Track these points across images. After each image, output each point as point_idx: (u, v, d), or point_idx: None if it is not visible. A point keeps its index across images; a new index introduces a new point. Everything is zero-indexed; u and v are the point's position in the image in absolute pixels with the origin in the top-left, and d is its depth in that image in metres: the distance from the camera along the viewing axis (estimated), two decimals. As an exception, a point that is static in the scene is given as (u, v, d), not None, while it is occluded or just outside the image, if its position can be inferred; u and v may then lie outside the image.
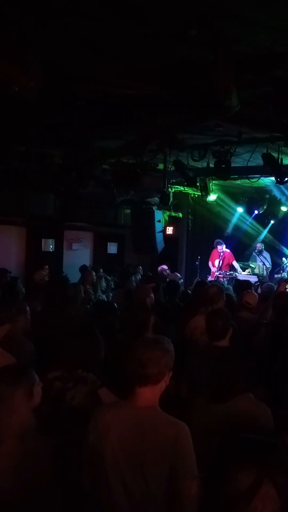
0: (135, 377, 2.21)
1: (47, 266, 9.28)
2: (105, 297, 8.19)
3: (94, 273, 8.53)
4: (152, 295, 5.55)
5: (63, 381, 2.65)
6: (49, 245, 11.65)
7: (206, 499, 0.99)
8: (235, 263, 11.06)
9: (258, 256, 11.35)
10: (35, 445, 2.12)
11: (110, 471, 2.14)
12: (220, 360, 2.74)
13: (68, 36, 3.94)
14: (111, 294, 8.34)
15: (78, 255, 12.06)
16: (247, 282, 6.78)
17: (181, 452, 2.09)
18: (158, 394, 2.24)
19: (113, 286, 8.89)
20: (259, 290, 7.23)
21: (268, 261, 11.34)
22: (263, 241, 12.02)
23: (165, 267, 9.94)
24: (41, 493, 2.04)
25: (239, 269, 11.03)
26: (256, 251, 11.53)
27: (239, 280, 8.49)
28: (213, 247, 11.15)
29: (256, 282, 9.61)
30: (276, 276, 10.79)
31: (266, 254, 11.50)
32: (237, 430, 1.12)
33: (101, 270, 9.35)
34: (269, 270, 11.22)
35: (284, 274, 10.57)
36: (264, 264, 11.18)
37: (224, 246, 11.00)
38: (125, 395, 2.29)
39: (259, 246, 11.60)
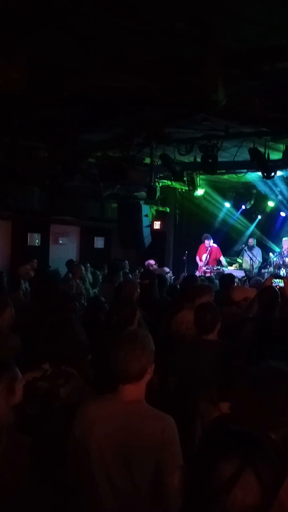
0: (118, 376, 2.20)
1: (35, 260, 9.22)
2: (92, 291, 8.17)
3: (83, 267, 8.49)
4: (139, 290, 5.56)
5: (51, 378, 2.62)
6: (35, 239, 11.56)
7: (189, 490, 1.00)
8: (222, 258, 11.10)
9: (247, 251, 11.41)
10: (9, 442, 2.08)
11: (95, 465, 2.13)
12: (223, 356, 2.71)
13: (55, 29, 3.88)
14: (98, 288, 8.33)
15: (65, 249, 11.98)
16: (230, 276, 6.81)
17: (167, 446, 2.09)
18: (143, 388, 2.24)
19: (100, 281, 8.86)
20: (246, 285, 7.28)
21: (257, 257, 11.41)
22: (250, 236, 12.09)
23: (152, 262, 9.93)
24: (17, 491, 2.01)
25: (223, 263, 11.06)
26: (247, 246, 11.59)
27: (223, 274, 8.54)
28: (200, 241, 11.18)
29: (243, 277, 9.66)
30: (263, 271, 10.86)
31: (257, 250, 11.56)
32: (221, 421, 1.12)
33: (88, 264, 9.32)
34: (257, 266, 11.29)
35: (271, 269, 10.64)
36: (251, 259, 11.24)
37: (212, 241, 11.02)
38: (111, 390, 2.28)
39: (251, 241, 11.65)
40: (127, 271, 9.50)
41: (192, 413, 2.66)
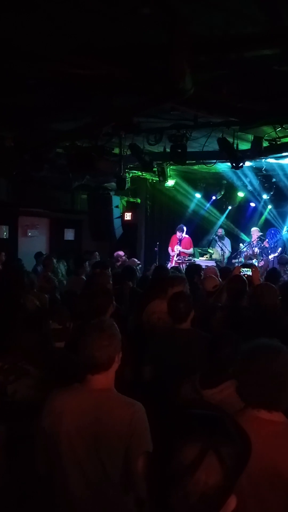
0: (86, 366, 2.20)
1: (3, 253, 9.05)
2: (65, 283, 8.09)
3: (55, 260, 8.39)
4: (111, 281, 5.53)
5: (4, 374, 2.56)
6: (3, 232, 11.33)
7: (152, 474, 1.00)
8: (188, 250, 11.14)
9: (218, 241, 11.53)
10: None
11: (66, 455, 2.13)
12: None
13: (18, 12, 3.74)
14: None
15: (34, 242, 11.80)
16: (196, 266, 6.88)
17: (137, 432, 2.10)
18: (112, 377, 2.24)
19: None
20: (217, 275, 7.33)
21: (227, 248, 11.54)
22: (221, 227, 12.20)
23: (121, 253, 9.89)
24: None
25: (186, 252, 11.12)
26: (217, 236, 11.70)
27: (188, 265, 8.61)
28: (173, 232, 11.22)
29: (207, 268, 9.75)
30: (233, 261, 11.00)
31: (226, 240, 11.70)
32: (183, 405, 1.12)
33: (55, 259, 9.18)
34: (227, 256, 11.42)
35: (241, 259, 10.79)
36: (222, 249, 11.36)
37: (184, 232, 11.06)
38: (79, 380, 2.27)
39: (220, 231, 11.77)
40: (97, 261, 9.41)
41: (172, 399, 2.67)
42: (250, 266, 5.40)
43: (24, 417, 2.35)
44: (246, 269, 5.09)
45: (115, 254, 9.71)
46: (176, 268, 8.26)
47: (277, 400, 1.80)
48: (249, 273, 4.97)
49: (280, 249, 11.05)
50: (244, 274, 4.88)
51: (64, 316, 3.19)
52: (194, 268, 6.58)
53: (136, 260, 9.87)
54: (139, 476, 1.04)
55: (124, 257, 9.68)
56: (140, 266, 9.72)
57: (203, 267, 9.27)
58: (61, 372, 2.71)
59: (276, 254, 10.92)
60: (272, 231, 11.56)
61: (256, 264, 9.80)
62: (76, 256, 8.98)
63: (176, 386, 2.77)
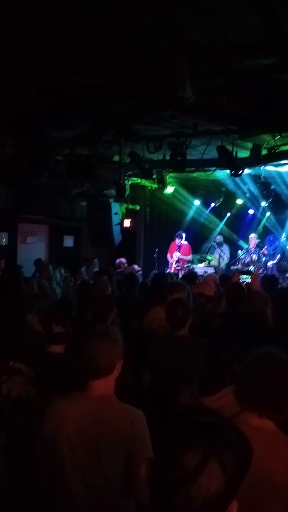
0: (88, 371, 2.21)
1: (3, 260, 9.05)
2: (59, 290, 8.07)
3: (51, 267, 8.38)
4: (110, 288, 5.53)
5: None
6: (3, 239, 11.36)
7: (154, 480, 1.01)
8: (187, 257, 11.15)
9: (217, 248, 11.55)
10: None
11: (67, 462, 2.14)
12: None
13: (19, 20, 3.78)
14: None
15: (33, 248, 11.81)
16: (192, 274, 6.90)
17: (137, 439, 2.11)
18: (112, 384, 2.25)
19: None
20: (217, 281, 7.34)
21: (226, 254, 11.56)
22: (220, 234, 12.23)
23: (123, 260, 9.88)
24: None
25: (185, 259, 11.14)
26: (215, 243, 11.73)
27: (185, 273, 8.62)
28: (172, 239, 11.24)
29: (207, 275, 9.75)
30: (232, 268, 11.00)
31: (225, 247, 11.72)
32: (186, 411, 1.12)
33: (54, 264, 9.19)
34: (225, 263, 11.43)
35: (240, 266, 10.79)
36: (221, 256, 11.38)
37: (183, 239, 11.08)
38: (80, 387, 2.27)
39: (219, 238, 11.80)
40: (97, 268, 9.42)
41: (171, 406, 2.67)
42: (250, 273, 5.41)
43: (22, 414, 2.36)
44: (245, 276, 5.09)
45: (118, 260, 9.70)
46: (170, 275, 8.24)
47: (274, 406, 1.82)
48: (249, 280, 4.97)
49: (279, 256, 11.07)
50: (243, 281, 4.88)
51: (66, 320, 3.22)
52: (190, 276, 6.62)
53: (136, 266, 9.88)
54: (142, 482, 1.05)
55: (126, 264, 9.68)
56: (140, 272, 9.73)
57: (201, 273, 9.32)
58: (58, 376, 2.71)
59: (275, 261, 10.93)
60: (271, 238, 11.58)
61: (253, 270, 9.82)
62: (71, 263, 8.97)
63: (175, 393, 2.77)
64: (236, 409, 1.89)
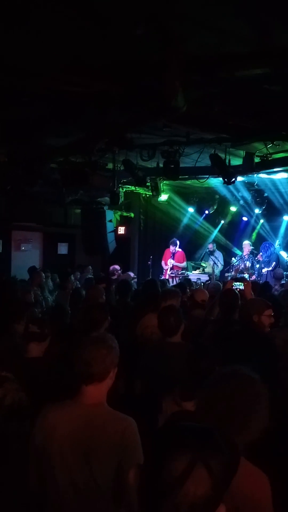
0: (81, 376, 2.20)
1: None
2: (51, 299, 8.07)
3: (43, 274, 8.37)
4: (104, 296, 5.54)
5: None
6: (-4, 246, 11.33)
7: (143, 485, 1.02)
8: (182, 264, 11.18)
9: (210, 255, 11.60)
10: None
11: (58, 469, 2.13)
12: (191, 356, 2.76)
13: (14, 30, 3.82)
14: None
15: (27, 256, 11.79)
16: (181, 285, 6.94)
17: (128, 447, 2.11)
18: (105, 391, 2.25)
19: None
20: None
21: (220, 261, 11.60)
22: (214, 241, 12.28)
23: (117, 267, 9.90)
24: None
25: (179, 266, 11.17)
26: (208, 250, 11.77)
27: (178, 282, 8.64)
28: (166, 246, 11.27)
29: (207, 281, 9.79)
30: (226, 275, 11.04)
31: (218, 254, 11.77)
32: (173, 418, 1.14)
33: (48, 272, 9.18)
34: (219, 270, 11.47)
35: (233, 273, 10.83)
36: (215, 263, 11.42)
37: (177, 246, 11.12)
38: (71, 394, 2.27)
39: (211, 246, 11.84)
40: (91, 276, 9.42)
41: (155, 413, 2.69)
42: (242, 280, 5.44)
43: (15, 419, 2.36)
44: (238, 283, 5.12)
45: (112, 268, 9.70)
46: (162, 282, 8.25)
47: (236, 433, 1.59)
48: (241, 287, 5.00)
49: (274, 263, 11.11)
50: (236, 288, 4.90)
51: (43, 322, 3.27)
52: (183, 285, 6.66)
53: (131, 273, 9.89)
54: (131, 488, 1.06)
55: (120, 271, 9.69)
56: (135, 280, 9.73)
57: (195, 280, 9.33)
58: (37, 381, 2.72)
59: (270, 268, 10.96)
60: (266, 245, 11.63)
61: (247, 277, 9.84)
62: (61, 271, 8.91)
63: (157, 399, 2.79)
64: None
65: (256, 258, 11.11)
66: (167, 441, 1.04)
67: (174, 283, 9.74)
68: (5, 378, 2.62)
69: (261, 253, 11.28)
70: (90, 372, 2.17)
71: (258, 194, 10.95)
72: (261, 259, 11.14)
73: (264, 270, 10.99)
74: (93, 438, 2.11)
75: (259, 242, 12.00)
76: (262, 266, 11.08)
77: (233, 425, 1.58)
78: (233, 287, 4.84)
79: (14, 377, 2.65)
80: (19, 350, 3.22)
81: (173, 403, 2.66)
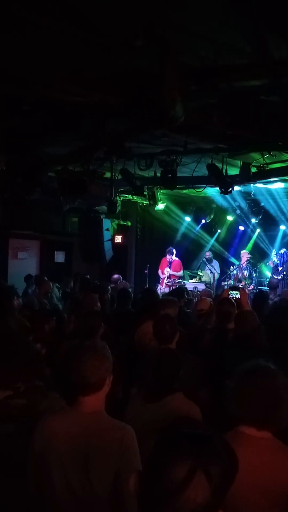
0: (78, 387, 2.21)
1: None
2: (60, 305, 8.02)
3: (51, 283, 8.32)
4: (98, 304, 5.56)
5: (27, 395, 2.58)
6: (-7, 254, 11.30)
7: (143, 492, 1.03)
8: (178, 273, 11.20)
9: (207, 264, 11.61)
10: None
11: (56, 477, 2.13)
12: (157, 360, 2.85)
13: (14, 41, 3.87)
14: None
15: (24, 264, 11.77)
16: (178, 291, 6.94)
17: (126, 455, 2.11)
18: (102, 399, 2.26)
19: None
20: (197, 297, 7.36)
21: (216, 270, 11.62)
22: (210, 250, 12.32)
23: (116, 276, 9.88)
24: None
25: (176, 275, 11.18)
26: (205, 259, 11.80)
27: (174, 289, 8.65)
28: (163, 255, 11.29)
29: (202, 290, 9.79)
30: (223, 283, 11.06)
31: (215, 263, 11.79)
32: (173, 425, 1.16)
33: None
34: (216, 278, 11.49)
35: (231, 282, 10.85)
36: (211, 272, 11.44)
37: (174, 255, 11.15)
38: (70, 402, 2.28)
39: (208, 254, 11.87)
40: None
41: (122, 412, 2.74)
42: (239, 289, 5.47)
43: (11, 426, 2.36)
44: (234, 292, 5.15)
45: (116, 276, 9.63)
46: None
47: (272, 419, 1.83)
48: (238, 296, 5.02)
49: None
50: (232, 297, 4.93)
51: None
52: (178, 292, 6.68)
53: (127, 283, 9.86)
54: (131, 494, 1.06)
55: (122, 281, 9.66)
56: (131, 288, 9.72)
57: (191, 289, 9.33)
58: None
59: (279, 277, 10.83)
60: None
61: (245, 286, 9.86)
62: (66, 278, 8.92)
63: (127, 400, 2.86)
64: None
65: (267, 263, 10.99)
66: (167, 448, 1.04)
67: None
68: (40, 388, 2.62)
69: (274, 258, 11.12)
70: (86, 382, 2.18)
71: (255, 204, 11.02)
72: (272, 265, 11.08)
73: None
74: (91, 446, 2.12)
75: (256, 251, 12.04)
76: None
77: (278, 413, 1.80)
78: (229, 296, 4.87)
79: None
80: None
81: (139, 404, 2.78)
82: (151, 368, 2.82)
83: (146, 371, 3.41)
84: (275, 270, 11.01)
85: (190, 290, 9.26)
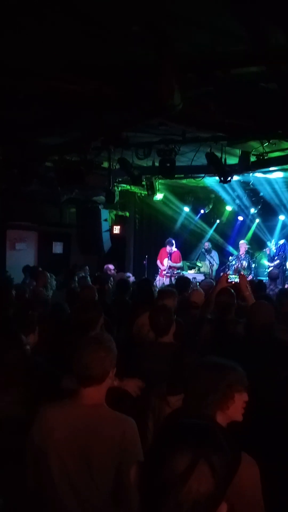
0: (80, 378, 2.19)
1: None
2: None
3: (48, 274, 8.30)
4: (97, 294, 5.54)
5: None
6: (-9, 245, 11.28)
7: (144, 483, 1.02)
8: (178, 264, 11.18)
9: (206, 254, 11.59)
10: None
11: (56, 470, 2.11)
12: (176, 353, 2.83)
13: (10, 31, 3.80)
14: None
15: (22, 255, 11.75)
16: (186, 279, 6.90)
17: (129, 447, 2.09)
18: (104, 392, 2.24)
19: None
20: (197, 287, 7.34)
21: (215, 260, 11.60)
22: (209, 240, 12.28)
23: (111, 266, 9.87)
24: None
25: (175, 266, 11.17)
26: (204, 249, 11.77)
27: (178, 277, 8.62)
28: (162, 245, 11.26)
29: (203, 280, 9.78)
30: (222, 274, 11.00)
31: (214, 253, 11.77)
32: (175, 416, 1.14)
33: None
34: (215, 269, 11.48)
35: (230, 273, 10.83)
36: (211, 262, 11.42)
37: (174, 245, 11.11)
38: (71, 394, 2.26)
39: (207, 245, 11.85)
40: (83, 275, 9.37)
41: (144, 408, 2.74)
42: (237, 273, 5.41)
43: (10, 433, 2.33)
44: (233, 276, 5.09)
45: (105, 267, 9.68)
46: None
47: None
48: (237, 279, 4.92)
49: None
50: (231, 281, 4.84)
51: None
52: (184, 281, 6.62)
53: (128, 274, 9.85)
54: (132, 486, 1.05)
55: (113, 271, 9.66)
56: (132, 278, 9.70)
57: (192, 279, 9.32)
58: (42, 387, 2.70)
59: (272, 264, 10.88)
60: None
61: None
62: (66, 270, 8.90)
63: (146, 395, 2.83)
64: None
65: (264, 250, 10.98)
66: (169, 438, 1.03)
67: (169, 283, 9.76)
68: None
69: (272, 247, 11.12)
70: (89, 374, 2.16)
71: (254, 194, 10.97)
72: (268, 252, 11.07)
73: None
74: (92, 439, 2.10)
75: (255, 242, 12.00)
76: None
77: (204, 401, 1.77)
78: (229, 280, 4.77)
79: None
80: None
81: (160, 398, 2.74)
82: (173, 362, 2.79)
83: (142, 365, 3.41)
84: (270, 258, 11.02)
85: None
